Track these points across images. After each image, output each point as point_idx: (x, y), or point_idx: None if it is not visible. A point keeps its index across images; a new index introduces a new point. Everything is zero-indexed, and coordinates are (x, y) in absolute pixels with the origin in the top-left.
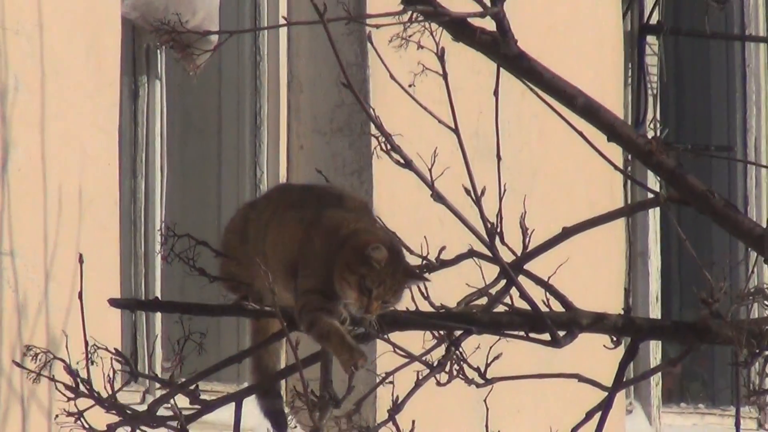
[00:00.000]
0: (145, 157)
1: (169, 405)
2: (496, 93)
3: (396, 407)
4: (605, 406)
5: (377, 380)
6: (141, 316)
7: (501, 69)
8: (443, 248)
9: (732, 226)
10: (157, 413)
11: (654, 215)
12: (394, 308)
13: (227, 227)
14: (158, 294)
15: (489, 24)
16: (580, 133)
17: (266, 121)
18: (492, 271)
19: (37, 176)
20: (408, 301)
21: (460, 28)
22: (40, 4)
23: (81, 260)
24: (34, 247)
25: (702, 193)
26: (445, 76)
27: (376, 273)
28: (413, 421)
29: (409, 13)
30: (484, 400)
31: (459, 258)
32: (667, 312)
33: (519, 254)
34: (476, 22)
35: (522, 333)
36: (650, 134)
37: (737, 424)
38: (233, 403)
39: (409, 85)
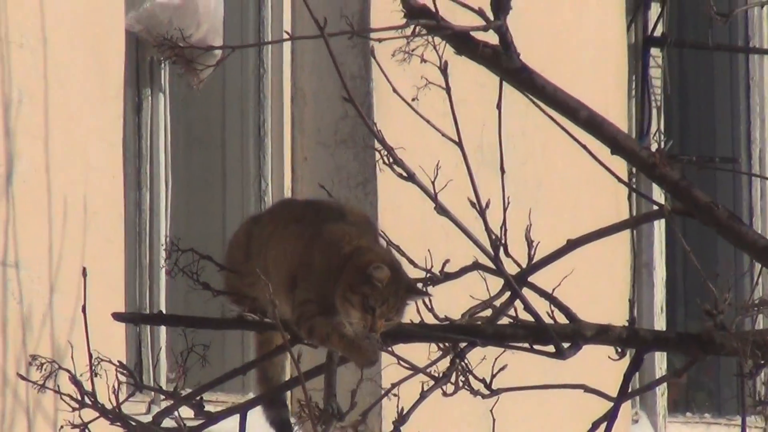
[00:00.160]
0: (150, 169)
1: (174, 416)
2: (499, 106)
3: (401, 419)
4: (611, 417)
5: (382, 392)
6: (145, 328)
7: (504, 82)
8: (447, 261)
9: (736, 238)
10: (162, 425)
11: (659, 227)
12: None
13: (231, 242)
14: (162, 305)
15: (492, 37)
16: (584, 146)
17: (270, 133)
18: (496, 283)
19: (42, 188)
20: (413, 313)
21: (462, 41)
22: (44, 17)
23: (84, 274)
24: (39, 258)
25: (706, 204)
26: (448, 89)
27: (379, 292)
28: None
29: (412, 26)
30: (490, 411)
31: (463, 270)
32: (671, 323)
33: (523, 266)
34: (479, 35)
35: (526, 345)
36: (654, 146)
37: None
38: (238, 415)
39: (413, 99)
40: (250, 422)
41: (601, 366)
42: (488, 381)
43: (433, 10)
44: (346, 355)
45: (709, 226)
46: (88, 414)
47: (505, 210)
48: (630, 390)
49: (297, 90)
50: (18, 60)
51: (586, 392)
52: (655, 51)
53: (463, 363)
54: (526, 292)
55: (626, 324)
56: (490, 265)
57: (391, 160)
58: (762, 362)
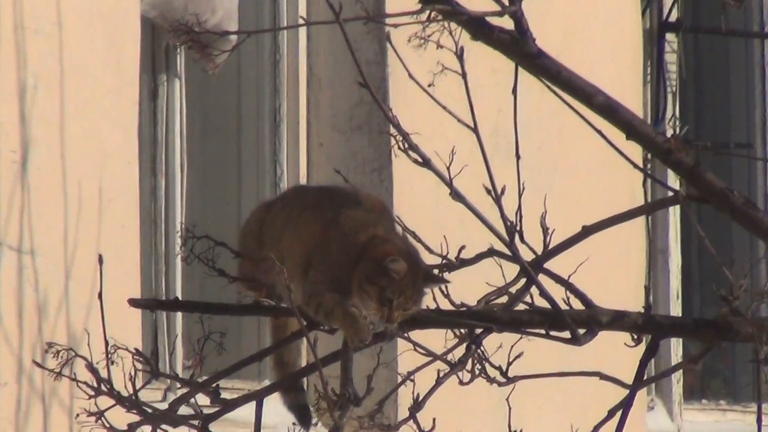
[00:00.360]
0: (165, 155)
1: (190, 404)
2: (514, 91)
3: (417, 405)
4: (627, 404)
5: (399, 379)
6: (161, 315)
7: (519, 68)
8: (463, 247)
9: (751, 224)
10: (178, 412)
11: (674, 213)
12: None
13: (243, 229)
14: (178, 292)
15: (507, 23)
16: (599, 132)
17: (286, 119)
18: (512, 269)
19: (57, 175)
20: (429, 300)
21: (478, 27)
22: (59, 3)
23: (101, 260)
24: (55, 246)
25: (721, 190)
26: (463, 75)
27: (396, 284)
28: (434, 420)
29: (428, 12)
30: (506, 399)
31: (479, 257)
32: (687, 309)
33: (539, 253)
34: (495, 21)
35: (542, 331)
36: (669, 132)
37: (759, 421)
38: (254, 402)
39: (428, 84)
40: (266, 409)
41: (616, 353)
42: (504, 368)
43: None
44: (343, 331)
45: (724, 212)
46: (104, 401)
47: (520, 196)
48: (645, 377)
49: (312, 76)
50: (33, 46)
51: (601, 379)
52: (670, 36)
53: (479, 350)
54: (541, 278)
55: (642, 310)
56: (506, 251)
57: (406, 145)
58: None
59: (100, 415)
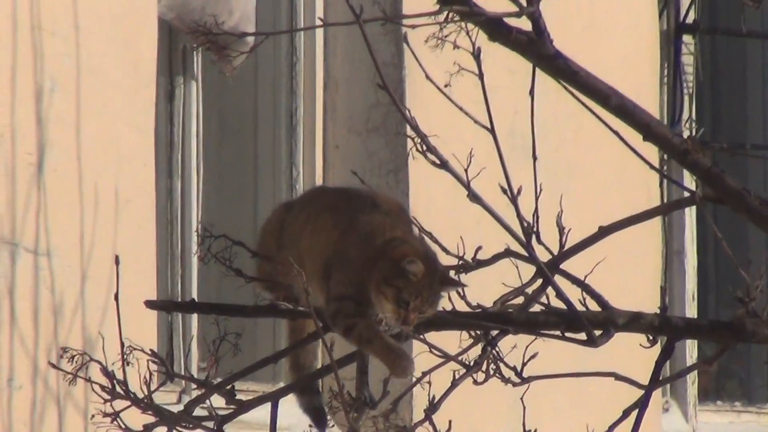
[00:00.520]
0: (181, 157)
1: (205, 405)
2: (531, 93)
3: (432, 407)
4: (642, 405)
5: (414, 380)
6: (177, 316)
7: (537, 68)
8: (479, 248)
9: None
10: (194, 413)
11: (690, 214)
12: None
13: (263, 228)
14: (195, 294)
15: (525, 24)
16: (616, 133)
17: (302, 121)
18: (528, 270)
19: (73, 177)
20: (445, 301)
21: (495, 27)
22: (76, 5)
23: (117, 262)
24: (71, 247)
25: (737, 191)
26: (481, 76)
27: (413, 285)
28: (450, 421)
29: (445, 13)
30: (521, 399)
31: (495, 258)
32: (703, 311)
33: (555, 253)
34: (512, 21)
35: (558, 332)
36: (686, 133)
37: None
38: (269, 403)
39: (445, 85)
40: (281, 411)
41: (631, 354)
42: (519, 369)
43: None
44: (383, 361)
45: (740, 213)
46: (120, 403)
47: (537, 197)
48: (661, 378)
49: (329, 77)
50: (50, 48)
51: (616, 380)
52: (687, 38)
53: (494, 351)
54: (558, 279)
55: (658, 311)
56: (522, 252)
57: (424, 147)
58: None
59: (115, 416)
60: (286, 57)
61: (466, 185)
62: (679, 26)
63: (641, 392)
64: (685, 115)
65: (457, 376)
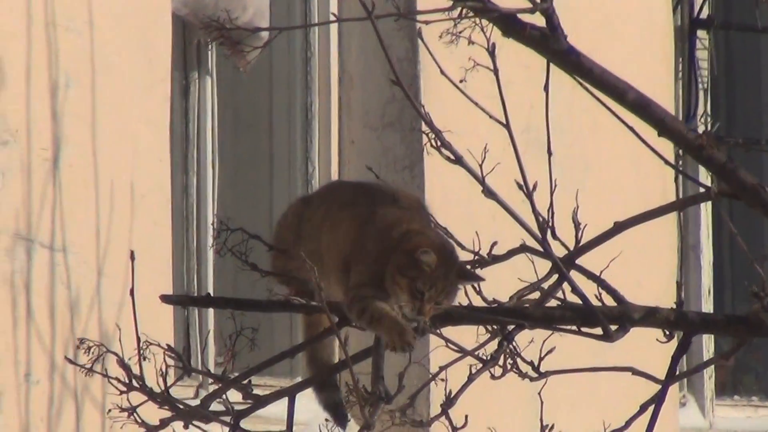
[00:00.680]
0: (197, 153)
1: (222, 400)
2: (546, 88)
3: (449, 402)
4: (659, 399)
5: (430, 375)
6: (193, 311)
7: (551, 64)
8: (495, 243)
9: None
10: (210, 408)
11: (706, 209)
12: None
13: (280, 223)
14: (210, 288)
15: (539, 19)
16: (631, 128)
17: (317, 116)
18: (544, 265)
19: (89, 172)
20: (461, 296)
21: (509, 23)
22: (91, 1)
23: (132, 258)
24: (86, 243)
25: (753, 186)
26: (495, 71)
27: (427, 276)
28: (466, 416)
29: (459, 8)
30: (538, 394)
31: (511, 253)
32: (719, 305)
33: (571, 249)
34: (526, 17)
35: (574, 327)
36: (701, 129)
37: None
38: (286, 398)
39: (460, 81)
40: (298, 406)
41: (648, 349)
42: (536, 364)
43: None
44: (386, 337)
45: (755, 208)
46: (136, 398)
47: (552, 192)
48: (677, 373)
49: (344, 73)
50: (65, 44)
51: (633, 375)
52: (701, 33)
53: (511, 346)
54: (573, 274)
55: (674, 306)
56: (538, 247)
57: (438, 142)
58: None
59: (132, 410)
60: (300, 52)
61: (481, 181)
62: (694, 21)
63: (658, 387)
64: (700, 111)
65: (473, 371)
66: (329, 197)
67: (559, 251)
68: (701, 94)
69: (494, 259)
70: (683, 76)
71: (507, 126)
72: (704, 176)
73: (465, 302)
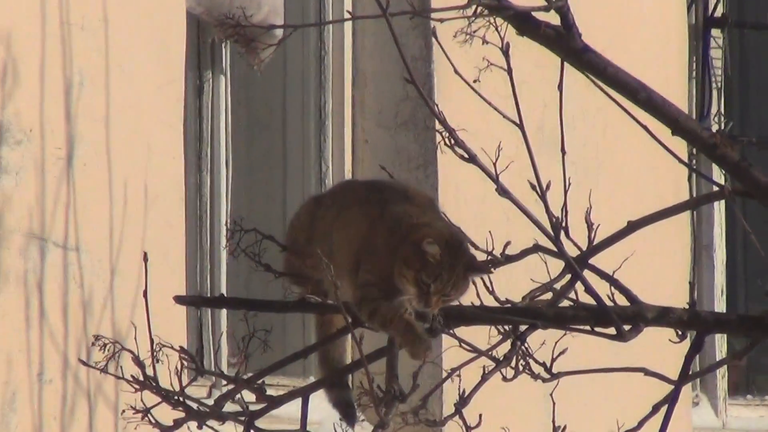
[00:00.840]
0: (211, 152)
1: (236, 400)
2: (560, 87)
3: (462, 401)
4: (672, 399)
5: (443, 375)
6: (206, 312)
7: (565, 63)
8: (508, 243)
9: None
10: (224, 409)
11: (719, 208)
12: (459, 303)
13: (293, 222)
14: (224, 289)
15: (553, 18)
16: (645, 127)
17: (331, 115)
18: (557, 265)
19: (103, 172)
20: (473, 296)
21: (524, 22)
22: None
23: (146, 258)
24: (100, 242)
25: (766, 185)
26: (509, 70)
27: (432, 267)
28: (480, 415)
29: (474, 7)
30: (551, 395)
31: (524, 253)
32: (732, 305)
33: (584, 248)
34: (541, 16)
35: (587, 327)
36: (715, 127)
37: None
38: (299, 398)
39: (474, 80)
40: (311, 406)
41: (661, 349)
42: (548, 364)
43: None
44: (402, 342)
45: None
46: (150, 398)
47: (565, 192)
48: (690, 373)
49: (358, 72)
50: (79, 42)
51: (646, 375)
52: (715, 32)
53: (524, 346)
54: (586, 274)
55: (687, 306)
56: (551, 247)
57: (452, 141)
58: None
59: (146, 411)
60: (314, 51)
61: (495, 179)
62: (708, 20)
63: (671, 387)
64: (714, 109)
65: (486, 371)
66: (341, 196)
67: (572, 251)
68: (715, 92)
69: (507, 259)
70: (697, 75)
71: (520, 125)
72: (718, 175)
73: (477, 302)
